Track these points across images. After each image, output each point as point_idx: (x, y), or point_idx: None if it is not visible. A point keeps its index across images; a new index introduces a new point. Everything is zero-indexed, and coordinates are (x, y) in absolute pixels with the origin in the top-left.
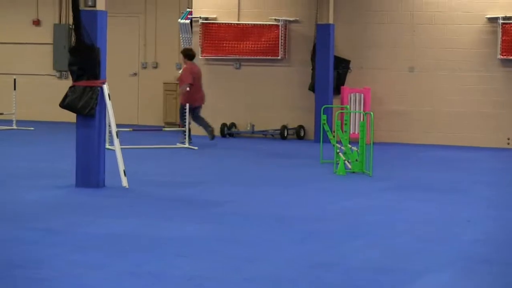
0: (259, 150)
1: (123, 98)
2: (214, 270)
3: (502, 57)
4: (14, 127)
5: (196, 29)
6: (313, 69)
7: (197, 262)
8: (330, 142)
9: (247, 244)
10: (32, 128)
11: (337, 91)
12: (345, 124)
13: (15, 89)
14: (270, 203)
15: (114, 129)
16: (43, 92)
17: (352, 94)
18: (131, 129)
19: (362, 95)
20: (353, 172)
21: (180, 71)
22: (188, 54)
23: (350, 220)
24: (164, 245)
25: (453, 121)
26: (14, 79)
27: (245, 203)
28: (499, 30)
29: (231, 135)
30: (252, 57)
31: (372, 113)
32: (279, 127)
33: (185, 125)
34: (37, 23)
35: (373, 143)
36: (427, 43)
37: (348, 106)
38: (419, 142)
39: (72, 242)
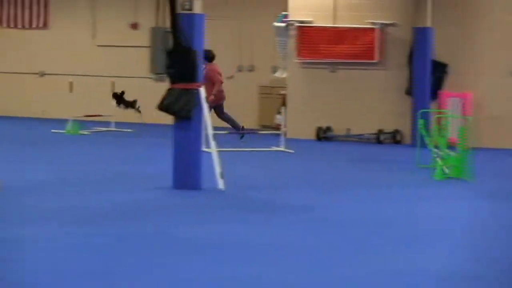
0: (354, 154)
1: None
2: (291, 276)
3: None
4: (113, 128)
5: (292, 32)
6: (410, 72)
7: (288, 269)
8: (427, 147)
9: (339, 248)
10: (130, 130)
11: (434, 95)
12: (444, 129)
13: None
14: (365, 208)
15: (210, 132)
16: (141, 95)
17: (451, 99)
18: (227, 131)
19: (461, 99)
20: (451, 177)
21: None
22: (209, 56)
23: (443, 226)
24: (252, 250)
25: None
26: (113, 82)
27: (339, 208)
28: None
29: (327, 138)
30: (348, 61)
31: (471, 117)
32: (375, 131)
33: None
34: (134, 26)
35: (474, 148)
36: None
37: (447, 111)
38: None
39: (167, 244)
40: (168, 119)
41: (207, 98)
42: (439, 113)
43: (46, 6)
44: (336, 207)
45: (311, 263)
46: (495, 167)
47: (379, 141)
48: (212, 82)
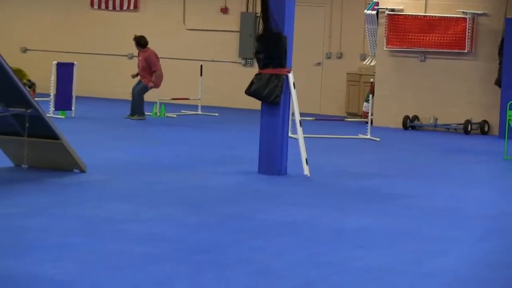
0: (441, 144)
1: (307, 87)
2: (393, 263)
3: None
4: (199, 112)
5: (382, 20)
6: (500, 63)
7: (376, 254)
8: None
9: (426, 238)
10: (216, 114)
11: None
12: None
13: (201, 75)
14: (449, 199)
15: (297, 118)
16: (228, 79)
17: None
18: (313, 118)
19: None
20: None
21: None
22: (143, 42)
23: None
24: (343, 235)
25: None
26: (201, 65)
27: (424, 198)
28: None
29: (414, 127)
30: (438, 50)
31: None
32: (462, 122)
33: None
34: (225, 10)
35: None
36: None
37: None
38: None
39: (253, 228)
40: (254, 104)
41: (146, 82)
42: None
43: None
44: (424, 195)
45: (409, 249)
46: None
47: (466, 132)
48: (150, 67)
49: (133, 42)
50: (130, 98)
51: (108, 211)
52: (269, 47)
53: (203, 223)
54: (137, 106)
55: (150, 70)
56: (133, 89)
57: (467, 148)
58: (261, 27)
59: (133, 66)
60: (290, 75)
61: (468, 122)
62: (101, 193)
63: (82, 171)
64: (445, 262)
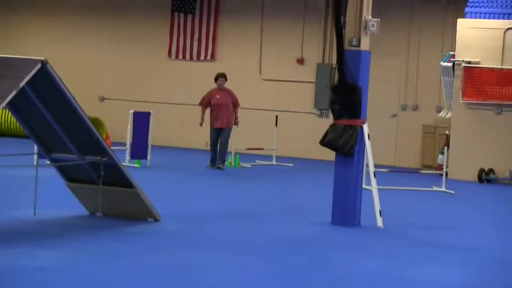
0: None
1: (382, 138)
2: None
3: None
4: (274, 162)
5: (458, 72)
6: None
7: None
8: None
9: None
10: (291, 165)
11: None
12: None
13: (276, 125)
14: None
15: (371, 169)
16: (303, 130)
17: None
18: (388, 170)
19: None
20: None
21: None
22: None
23: None
24: (420, 286)
25: None
26: (276, 116)
27: (498, 251)
28: None
29: (489, 181)
30: None
31: None
32: None
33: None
34: (301, 62)
35: None
36: None
37: None
38: None
39: (327, 278)
40: (328, 155)
41: (231, 124)
42: None
43: (214, 39)
44: (499, 250)
45: None
46: None
47: None
48: (234, 104)
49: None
50: (207, 148)
51: (182, 259)
52: (344, 98)
53: (276, 272)
54: (225, 154)
55: (233, 108)
56: (219, 138)
57: None
58: (336, 78)
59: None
60: (365, 126)
61: None
62: (175, 241)
63: (156, 220)
64: None
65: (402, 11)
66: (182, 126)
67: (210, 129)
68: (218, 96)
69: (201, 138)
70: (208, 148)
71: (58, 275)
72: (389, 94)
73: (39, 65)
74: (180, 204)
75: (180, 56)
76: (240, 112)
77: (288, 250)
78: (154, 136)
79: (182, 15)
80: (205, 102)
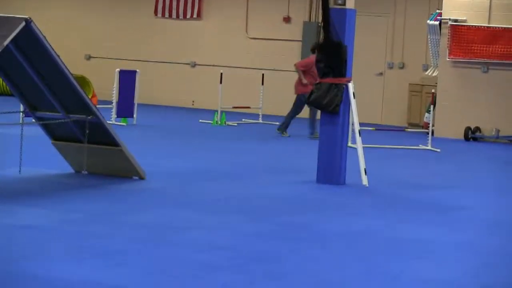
0: (502, 156)
1: (368, 97)
2: (450, 274)
3: None
4: (260, 121)
5: (445, 30)
6: None
7: (434, 266)
8: None
9: (485, 251)
10: (277, 123)
11: None
12: None
13: (262, 84)
14: (509, 211)
15: (357, 128)
16: (290, 88)
17: None
18: (373, 128)
19: None
20: None
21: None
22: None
23: None
24: (401, 247)
25: None
26: (262, 74)
27: (485, 210)
28: None
29: (475, 139)
30: (501, 61)
31: None
32: None
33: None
34: (287, 20)
35: None
36: None
37: None
38: None
39: (311, 238)
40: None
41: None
42: None
43: None
44: (486, 208)
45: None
46: None
47: None
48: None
49: (195, 50)
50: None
51: (167, 218)
52: (329, 57)
53: (261, 231)
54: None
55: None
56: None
57: None
58: (321, 36)
59: (196, 73)
60: (350, 85)
61: None
62: (160, 200)
63: (142, 178)
64: (506, 275)
65: None
66: (168, 85)
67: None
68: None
69: (188, 96)
70: (194, 106)
71: (42, 233)
72: (375, 53)
73: (24, 24)
74: (165, 162)
75: (167, 14)
76: (226, 70)
77: (274, 210)
78: (141, 94)
79: None
80: None
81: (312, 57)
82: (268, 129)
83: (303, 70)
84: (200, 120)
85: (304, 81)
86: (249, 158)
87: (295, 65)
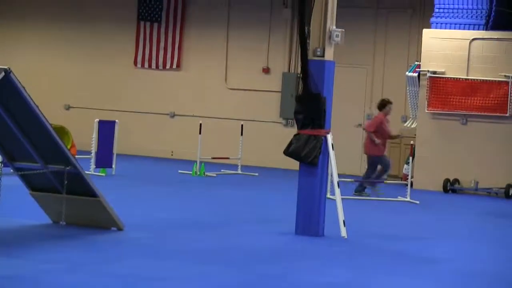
0: (482, 208)
1: (347, 148)
2: None
3: None
4: (239, 172)
5: (424, 82)
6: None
7: None
8: None
9: None
10: (256, 174)
11: None
12: None
13: (242, 134)
14: (490, 263)
15: (335, 179)
16: (269, 139)
17: None
18: (352, 180)
19: None
20: None
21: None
22: (378, 106)
23: None
24: None
25: None
26: (242, 125)
27: (465, 262)
28: None
29: (454, 191)
30: (479, 113)
31: None
32: (504, 185)
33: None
34: (266, 71)
35: None
36: None
37: None
38: None
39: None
40: (294, 164)
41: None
42: None
43: (180, 47)
44: (463, 259)
45: None
46: None
47: (508, 196)
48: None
49: (175, 100)
50: (170, 157)
51: (145, 269)
52: (308, 108)
53: (239, 282)
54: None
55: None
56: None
57: (508, 212)
58: (300, 87)
59: (175, 124)
60: (329, 136)
61: (509, 186)
62: (138, 251)
63: (120, 229)
64: None
65: (367, 22)
66: (147, 135)
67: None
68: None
69: (167, 146)
70: (173, 157)
71: (19, 284)
72: (355, 104)
73: (3, 74)
74: (144, 213)
75: (146, 65)
76: (206, 121)
77: (253, 260)
78: (120, 144)
79: (148, 23)
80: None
81: (380, 116)
82: (247, 180)
83: (374, 131)
84: (180, 171)
85: (377, 141)
86: (228, 208)
87: (365, 129)
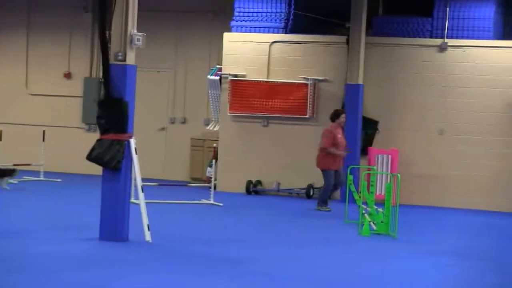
0: (284, 208)
1: (150, 152)
2: None
3: None
4: (42, 178)
5: (225, 85)
6: (342, 128)
7: None
8: (355, 203)
9: None
10: (59, 180)
11: (364, 152)
12: (371, 185)
13: (43, 140)
14: (293, 263)
15: (139, 183)
16: (71, 144)
17: (379, 155)
18: (156, 183)
19: (389, 156)
20: (378, 233)
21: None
22: (330, 117)
23: (373, 283)
24: None
25: (482, 185)
26: (43, 131)
27: (269, 262)
28: None
29: (257, 192)
30: (280, 115)
31: (398, 174)
32: (305, 186)
33: None
34: (68, 76)
35: (399, 205)
36: (458, 106)
37: (375, 167)
38: (446, 206)
39: None
40: (97, 169)
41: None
42: (368, 169)
43: None
44: (269, 260)
45: None
46: (420, 224)
47: (309, 196)
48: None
49: None
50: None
51: None
52: (110, 113)
53: None
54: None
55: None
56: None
57: (309, 212)
58: (102, 92)
59: None
60: (132, 140)
61: (310, 186)
62: None
63: None
64: None
65: (168, 25)
66: None
67: (330, 171)
68: (339, 136)
69: None
70: None
71: None
72: (158, 108)
73: None
74: None
75: None
76: (6, 128)
77: (57, 269)
78: None
79: None
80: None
81: (331, 128)
82: (51, 186)
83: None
84: None
85: (338, 152)
86: (31, 216)
87: (322, 148)
